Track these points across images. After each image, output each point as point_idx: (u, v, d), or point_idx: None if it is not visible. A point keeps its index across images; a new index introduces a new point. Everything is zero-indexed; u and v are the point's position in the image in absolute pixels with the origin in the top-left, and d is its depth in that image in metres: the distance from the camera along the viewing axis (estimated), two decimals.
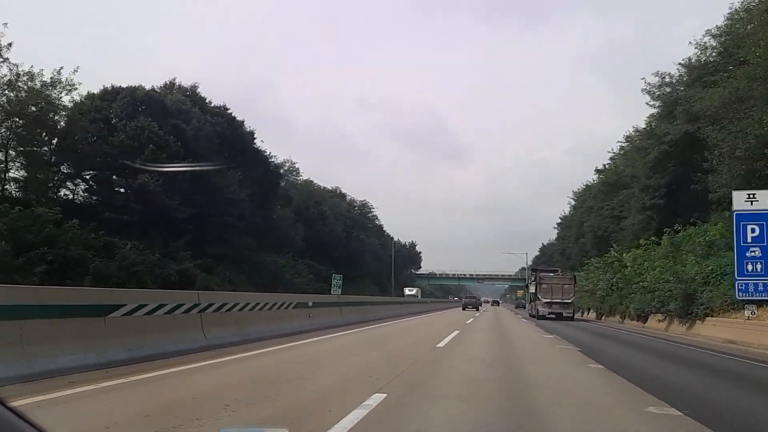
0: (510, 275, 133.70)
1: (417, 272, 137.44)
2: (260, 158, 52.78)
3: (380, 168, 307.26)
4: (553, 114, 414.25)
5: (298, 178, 78.25)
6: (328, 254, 68.85)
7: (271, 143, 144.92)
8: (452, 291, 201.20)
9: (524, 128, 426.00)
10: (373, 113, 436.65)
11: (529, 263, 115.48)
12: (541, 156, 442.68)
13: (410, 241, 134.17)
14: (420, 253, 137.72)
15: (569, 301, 32.25)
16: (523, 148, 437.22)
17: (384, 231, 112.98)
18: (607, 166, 59.83)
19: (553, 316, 31.31)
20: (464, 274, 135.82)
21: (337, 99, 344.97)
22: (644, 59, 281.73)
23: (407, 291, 61.51)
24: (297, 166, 77.83)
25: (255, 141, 54.75)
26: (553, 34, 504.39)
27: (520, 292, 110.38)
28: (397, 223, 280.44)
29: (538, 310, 32.86)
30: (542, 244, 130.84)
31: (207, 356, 8.86)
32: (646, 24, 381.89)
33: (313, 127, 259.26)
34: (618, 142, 56.65)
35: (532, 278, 38.55)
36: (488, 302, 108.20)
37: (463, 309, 52.51)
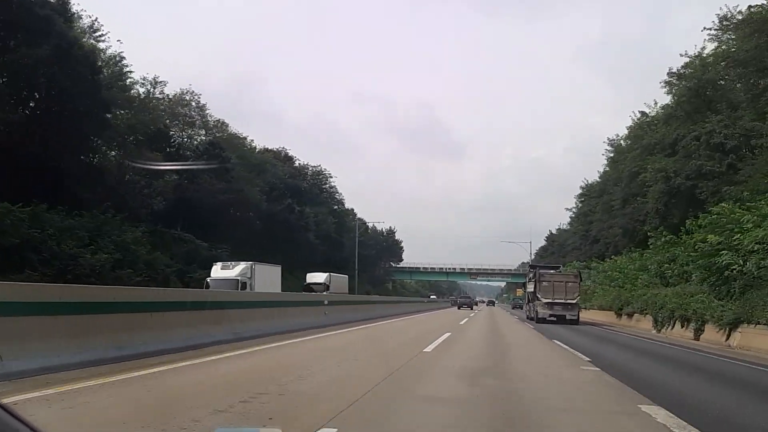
0: (510, 270, 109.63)
1: (398, 266, 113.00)
2: (53, 31, 27.88)
3: (373, 163, 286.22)
4: (552, 110, 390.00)
5: (208, 119, 53.21)
6: (236, 227, 44.48)
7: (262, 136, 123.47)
8: (443, 289, 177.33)
9: (521, 125, 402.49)
10: (368, 108, 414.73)
11: (533, 255, 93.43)
12: (539, 154, 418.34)
13: (388, 227, 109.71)
14: (401, 242, 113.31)
15: (574, 301, 27.32)
16: (520, 146, 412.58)
17: (349, 210, 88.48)
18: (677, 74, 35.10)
19: (554, 318, 26.74)
20: (454, 268, 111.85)
21: (330, 94, 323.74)
22: (645, 54, 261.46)
23: (312, 278, 35.49)
24: (202, 100, 52.49)
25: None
26: (552, 23, 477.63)
27: (519, 291, 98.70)
28: (388, 220, 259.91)
29: (537, 311, 28.13)
30: (549, 231, 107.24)
31: None
32: (648, 16, 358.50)
33: (306, 123, 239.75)
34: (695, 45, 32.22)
35: (531, 276, 32.95)
36: (483, 302, 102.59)
37: (459, 308, 53.79)
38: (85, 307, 6.92)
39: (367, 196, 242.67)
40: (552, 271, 31.26)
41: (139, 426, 4.24)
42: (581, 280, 29.67)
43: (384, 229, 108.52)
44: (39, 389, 5.17)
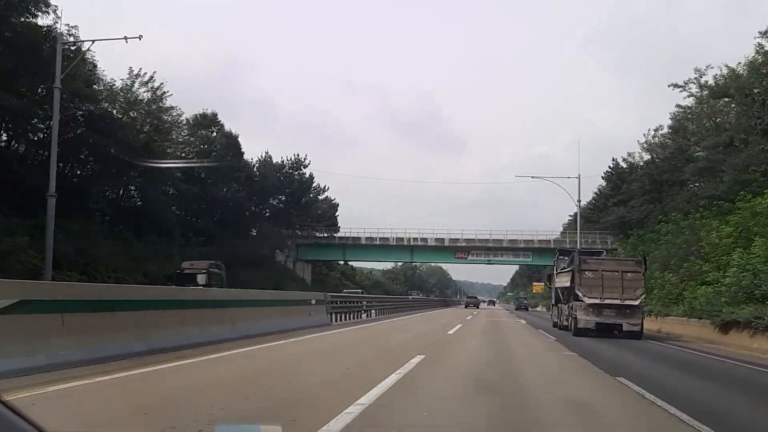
0: (531, 241, 58.25)
1: (325, 235, 61.53)
2: None
3: (367, 157, 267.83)
4: (554, 105, 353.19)
5: None
6: None
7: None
8: (428, 285, 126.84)
9: (521, 120, 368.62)
10: (363, 99, 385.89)
11: (571, 219, 46.26)
12: (541, 150, 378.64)
13: (294, 156, 56.87)
14: (325, 189, 61.46)
15: (635, 302, 17.89)
16: (521, 142, 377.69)
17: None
18: None
19: (596, 327, 18.22)
20: (425, 240, 59.99)
21: (324, 82, 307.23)
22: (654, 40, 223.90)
23: None
24: None
25: None
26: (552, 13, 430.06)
27: (538, 287, 66.19)
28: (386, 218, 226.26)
29: (576, 317, 18.66)
30: (614, 163, 55.46)
31: None
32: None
33: (299, 114, 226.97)
34: None
35: (565, 265, 22.32)
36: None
37: (466, 307, 56.67)
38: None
39: (359, 188, 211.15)
40: (594, 257, 21.08)
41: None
42: (646, 269, 19.92)
43: (287, 159, 56.40)
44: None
